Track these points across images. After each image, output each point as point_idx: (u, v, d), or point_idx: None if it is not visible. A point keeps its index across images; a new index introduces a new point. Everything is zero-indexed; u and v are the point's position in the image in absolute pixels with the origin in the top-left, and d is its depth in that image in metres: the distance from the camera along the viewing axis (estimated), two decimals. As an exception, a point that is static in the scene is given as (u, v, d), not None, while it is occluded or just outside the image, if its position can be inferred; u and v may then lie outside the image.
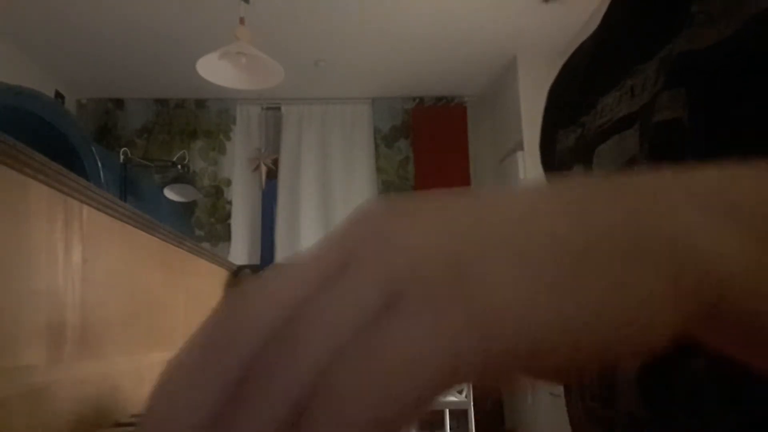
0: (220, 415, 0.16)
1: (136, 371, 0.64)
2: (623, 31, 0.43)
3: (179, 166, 3.47)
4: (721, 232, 0.18)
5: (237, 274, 1.25)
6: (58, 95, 3.90)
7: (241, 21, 2.37)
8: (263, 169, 4.23)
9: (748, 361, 0.20)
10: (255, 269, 1.30)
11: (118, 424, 0.56)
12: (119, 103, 4.18)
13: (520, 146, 3.66)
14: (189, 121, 4.15)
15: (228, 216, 4.06)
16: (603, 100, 0.42)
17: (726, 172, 0.20)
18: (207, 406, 0.16)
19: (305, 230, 4.10)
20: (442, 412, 3.28)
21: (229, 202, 4.09)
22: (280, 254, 4.08)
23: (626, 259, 0.17)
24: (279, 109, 4.29)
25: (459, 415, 3.24)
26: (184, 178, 3.35)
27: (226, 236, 4.02)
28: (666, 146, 0.34)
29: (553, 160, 0.51)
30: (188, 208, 3.89)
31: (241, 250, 4.10)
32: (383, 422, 0.15)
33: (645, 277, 0.17)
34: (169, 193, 3.30)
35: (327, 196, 4.18)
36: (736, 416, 0.30)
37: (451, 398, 2.80)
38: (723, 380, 0.31)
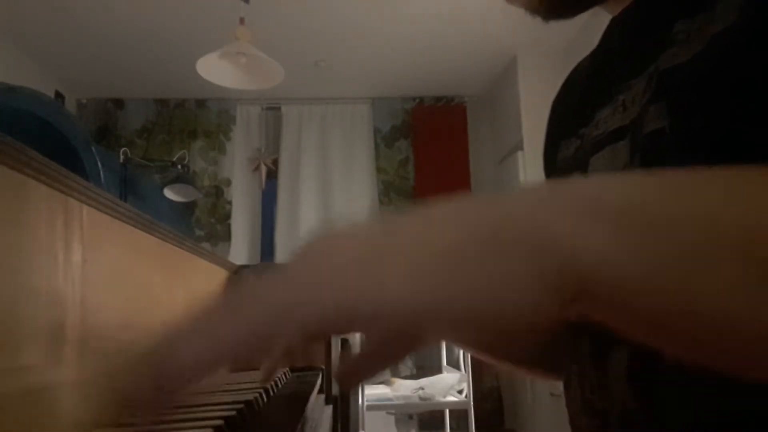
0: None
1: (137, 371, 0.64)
2: (618, 49, 0.46)
3: (179, 166, 3.46)
4: (582, 228, 0.22)
5: (237, 274, 1.25)
6: (58, 95, 3.90)
7: (241, 21, 2.37)
8: (263, 169, 4.23)
9: (628, 337, 0.25)
10: (255, 269, 1.30)
11: (118, 424, 0.56)
12: (119, 103, 4.18)
13: (520, 146, 3.66)
14: (189, 121, 4.15)
15: (228, 216, 4.06)
16: (599, 114, 0.45)
17: (602, 179, 0.25)
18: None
19: (305, 230, 4.10)
20: (442, 412, 3.28)
21: (229, 202, 4.09)
22: (280, 254, 4.08)
23: (494, 253, 0.22)
24: (279, 109, 4.29)
25: (459, 415, 3.23)
26: (184, 178, 3.34)
27: (226, 236, 4.01)
28: (653, 155, 0.37)
29: (554, 168, 0.55)
30: (188, 208, 3.88)
31: (241, 250, 4.10)
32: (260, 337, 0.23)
33: (509, 266, 0.22)
34: (169, 193, 3.30)
35: (327, 196, 4.18)
36: (723, 406, 0.31)
37: (451, 398, 2.80)
38: (709, 369, 0.32)
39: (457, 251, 0.22)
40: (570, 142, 0.51)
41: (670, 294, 0.22)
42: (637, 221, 0.22)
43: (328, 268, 0.23)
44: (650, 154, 0.37)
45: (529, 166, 3.57)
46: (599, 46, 0.50)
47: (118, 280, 0.62)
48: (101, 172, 2.38)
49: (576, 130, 0.49)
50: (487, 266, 0.22)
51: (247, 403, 0.58)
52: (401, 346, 0.25)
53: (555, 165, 0.54)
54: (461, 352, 3.03)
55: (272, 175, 4.24)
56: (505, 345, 0.46)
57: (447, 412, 3.25)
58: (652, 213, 0.22)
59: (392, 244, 0.23)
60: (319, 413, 0.82)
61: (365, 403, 2.63)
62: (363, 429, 2.65)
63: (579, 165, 0.47)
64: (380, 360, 0.25)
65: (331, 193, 4.18)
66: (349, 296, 0.22)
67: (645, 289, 0.22)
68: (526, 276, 0.21)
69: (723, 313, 0.21)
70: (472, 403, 2.74)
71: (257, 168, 4.24)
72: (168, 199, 3.30)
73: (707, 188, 0.23)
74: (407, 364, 3.65)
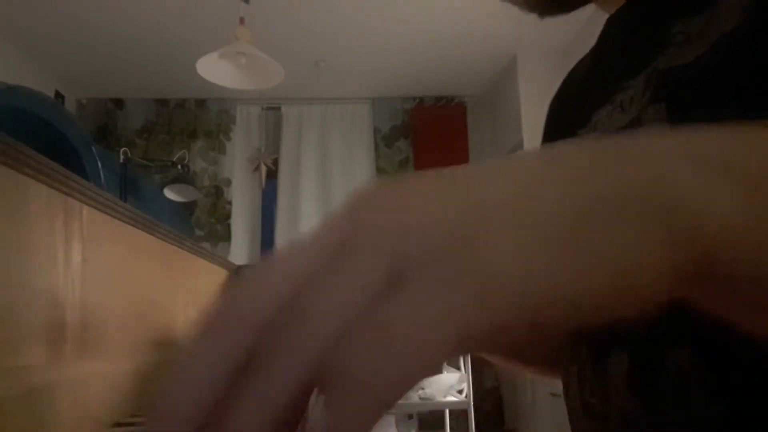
0: (228, 390, 0.16)
1: (136, 371, 0.64)
2: (615, 49, 0.45)
3: (179, 166, 3.46)
4: (713, 189, 0.18)
5: (237, 274, 1.25)
6: (58, 95, 3.90)
7: (241, 21, 2.37)
8: (263, 169, 4.23)
9: (740, 324, 0.21)
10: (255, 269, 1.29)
11: (118, 424, 0.56)
12: (119, 103, 4.18)
13: (520, 146, 3.65)
14: (189, 121, 4.15)
15: (228, 216, 4.06)
16: (597, 114, 0.45)
17: (721, 134, 0.21)
18: (213, 384, 0.16)
19: (305, 230, 4.09)
20: (443, 412, 3.28)
21: (229, 202, 4.08)
22: (280, 254, 4.07)
23: (618, 219, 0.18)
24: (279, 109, 4.29)
25: (459, 415, 3.23)
26: (184, 178, 3.34)
27: (226, 236, 4.01)
28: None
29: None
30: (188, 208, 3.88)
31: (241, 250, 4.10)
32: (395, 399, 0.16)
33: (637, 234, 0.18)
34: (169, 193, 3.30)
35: (327, 196, 4.18)
36: (722, 406, 0.31)
37: (451, 398, 2.80)
38: (708, 371, 0.32)
39: (583, 220, 0.18)
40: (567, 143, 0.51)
41: None
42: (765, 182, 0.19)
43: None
44: None
45: (529, 166, 3.56)
46: (596, 45, 0.50)
47: (118, 280, 0.62)
48: (101, 172, 2.38)
49: (573, 132, 0.49)
50: (612, 236, 0.17)
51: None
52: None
53: None
54: (461, 352, 3.02)
55: (272, 175, 4.24)
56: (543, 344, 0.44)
57: (447, 412, 3.25)
58: None
59: (485, 209, 0.18)
60: (319, 413, 0.81)
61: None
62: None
63: None
64: None
65: (331, 193, 4.18)
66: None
67: None
68: (655, 243, 0.18)
69: None
70: (472, 403, 2.74)
71: (257, 168, 4.24)
72: (168, 199, 3.30)
73: None
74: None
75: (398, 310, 0.16)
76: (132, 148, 3.75)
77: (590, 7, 0.51)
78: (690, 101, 0.34)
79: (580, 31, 3.23)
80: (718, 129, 0.21)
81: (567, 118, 0.51)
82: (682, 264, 0.18)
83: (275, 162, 4.23)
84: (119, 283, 0.63)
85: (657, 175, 0.18)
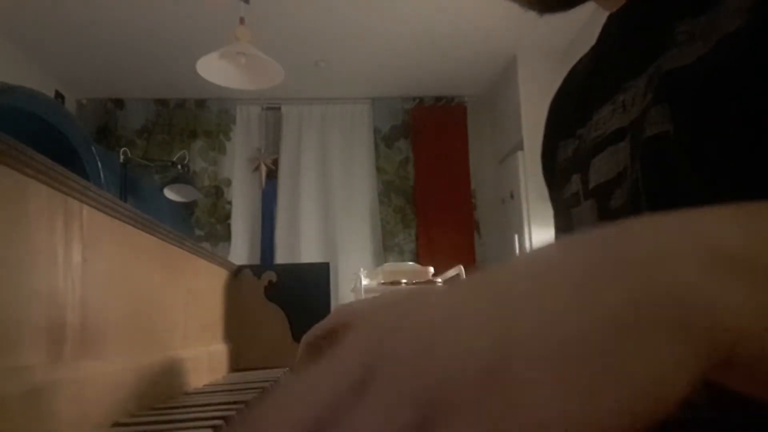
0: None
1: (136, 371, 0.64)
2: (616, 48, 0.45)
3: (179, 166, 3.46)
4: (725, 286, 0.18)
5: (237, 274, 1.25)
6: (58, 95, 3.90)
7: (241, 21, 2.37)
8: (263, 169, 4.23)
9: None
10: (255, 269, 1.30)
11: (118, 424, 0.56)
12: (119, 103, 4.18)
13: (520, 146, 3.66)
14: (189, 121, 4.15)
15: (228, 216, 4.06)
16: (598, 114, 0.44)
17: (719, 222, 0.21)
18: None
19: (305, 230, 4.10)
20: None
21: (229, 202, 4.09)
22: (280, 254, 4.08)
23: (642, 335, 0.17)
24: (279, 109, 4.29)
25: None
26: (184, 178, 3.34)
27: (226, 236, 4.02)
28: (656, 159, 0.36)
29: (553, 169, 0.54)
30: (188, 208, 3.88)
31: (241, 250, 4.10)
32: None
33: (662, 349, 0.17)
34: (169, 193, 3.30)
35: (327, 196, 4.18)
36: (726, 411, 0.31)
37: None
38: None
39: (607, 343, 0.17)
40: (568, 143, 0.50)
41: None
42: None
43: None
44: (653, 157, 0.36)
45: (529, 166, 3.57)
46: (597, 43, 0.50)
47: (118, 280, 0.62)
48: (101, 172, 2.38)
49: (574, 131, 0.49)
50: (639, 354, 0.17)
51: (247, 403, 0.58)
52: None
53: (553, 166, 0.54)
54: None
55: (272, 175, 4.24)
56: None
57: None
58: None
59: (517, 349, 0.17)
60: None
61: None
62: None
63: (579, 167, 0.46)
64: None
65: (331, 193, 4.18)
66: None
67: None
68: (679, 354, 0.18)
69: None
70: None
71: (257, 168, 4.24)
72: (168, 199, 3.30)
73: None
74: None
75: None
76: (132, 148, 3.75)
77: (590, 6, 0.51)
78: (692, 102, 0.34)
79: (580, 31, 3.23)
80: (720, 215, 0.21)
81: (568, 117, 0.51)
82: (705, 364, 0.18)
83: (275, 162, 4.23)
84: (119, 283, 0.63)
85: (671, 284, 0.18)
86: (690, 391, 0.18)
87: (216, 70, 2.43)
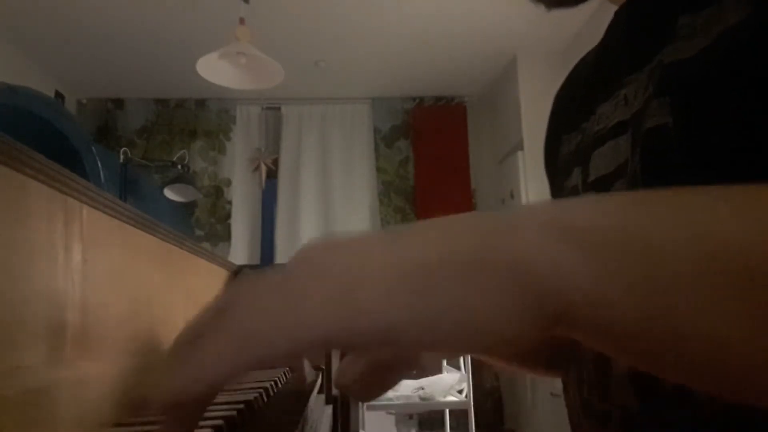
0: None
1: (137, 371, 0.64)
2: (620, 43, 0.45)
3: (179, 166, 3.46)
4: (558, 253, 0.22)
5: (237, 274, 1.25)
6: (58, 95, 3.90)
7: (241, 21, 2.36)
8: (263, 169, 4.23)
9: (610, 355, 0.25)
10: (255, 269, 1.30)
11: (118, 424, 0.55)
12: (119, 103, 4.18)
13: (520, 146, 3.65)
14: (189, 121, 4.15)
15: (228, 216, 4.06)
16: (601, 108, 0.45)
17: (569, 202, 0.25)
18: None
19: (305, 230, 4.10)
20: (442, 412, 3.28)
21: (229, 202, 4.09)
22: (280, 254, 4.08)
23: (473, 277, 0.22)
24: (279, 109, 4.29)
25: (459, 415, 3.23)
26: (184, 178, 3.34)
27: (226, 236, 4.01)
28: (655, 151, 0.36)
29: (556, 163, 0.54)
30: (188, 208, 3.88)
31: (241, 250, 4.10)
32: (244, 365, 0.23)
33: (487, 291, 0.22)
34: (169, 193, 3.30)
35: (327, 196, 4.18)
36: (725, 407, 0.31)
37: (451, 398, 2.80)
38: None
39: (434, 273, 0.22)
40: (571, 137, 0.51)
41: (649, 320, 0.21)
42: (612, 247, 0.22)
43: (315, 288, 0.23)
44: (652, 149, 0.37)
45: (529, 166, 3.57)
46: (604, 38, 0.50)
47: (118, 280, 0.62)
48: (101, 172, 2.38)
49: (577, 125, 0.49)
50: (462, 290, 0.22)
51: (247, 403, 0.58)
52: (392, 367, 0.27)
53: (556, 160, 0.54)
54: (461, 352, 3.02)
55: (272, 175, 4.24)
56: (499, 350, 0.46)
57: (447, 412, 3.25)
58: (631, 238, 0.22)
59: (377, 263, 0.23)
60: (319, 413, 0.82)
61: (365, 403, 2.63)
62: (363, 429, 2.65)
63: (580, 160, 0.47)
64: (377, 382, 0.27)
65: (331, 193, 4.18)
66: (327, 324, 0.22)
67: (623, 316, 0.21)
68: (504, 301, 0.22)
69: (706, 338, 0.21)
70: (472, 403, 2.74)
71: (257, 168, 4.24)
72: (168, 199, 3.30)
73: (692, 209, 0.23)
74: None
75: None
76: (132, 148, 3.74)
77: (591, 5, 0.51)
78: (692, 95, 0.34)
79: (580, 31, 3.23)
80: (583, 203, 0.25)
81: (572, 111, 0.51)
82: (535, 314, 0.22)
83: (275, 162, 4.23)
84: (119, 283, 0.63)
85: (510, 244, 0.23)
86: (535, 334, 0.22)
87: (216, 70, 2.43)
